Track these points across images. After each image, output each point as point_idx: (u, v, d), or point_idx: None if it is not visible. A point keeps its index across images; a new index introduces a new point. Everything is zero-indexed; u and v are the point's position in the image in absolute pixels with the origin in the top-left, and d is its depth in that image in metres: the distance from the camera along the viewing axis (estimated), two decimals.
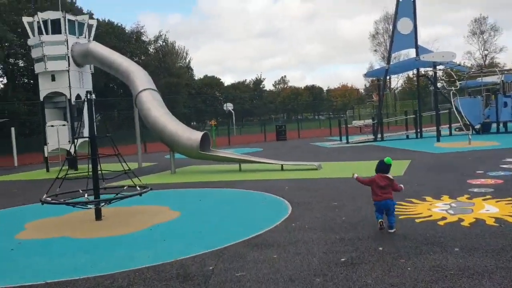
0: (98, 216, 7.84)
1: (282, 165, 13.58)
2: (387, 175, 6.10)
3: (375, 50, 68.06)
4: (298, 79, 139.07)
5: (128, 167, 8.24)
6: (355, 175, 6.39)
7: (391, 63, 25.17)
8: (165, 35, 60.45)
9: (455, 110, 22.65)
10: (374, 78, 72.36)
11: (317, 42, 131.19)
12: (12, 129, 21.66)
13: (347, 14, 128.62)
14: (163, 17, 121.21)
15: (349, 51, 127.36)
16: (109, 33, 48.81)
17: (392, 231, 5.92)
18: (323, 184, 10.30)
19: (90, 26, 18.83)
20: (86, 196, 7.35)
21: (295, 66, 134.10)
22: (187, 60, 79.31)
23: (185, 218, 7.57)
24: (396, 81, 65.99)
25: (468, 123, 20.15)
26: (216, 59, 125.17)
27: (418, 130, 24.57)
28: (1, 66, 38.91)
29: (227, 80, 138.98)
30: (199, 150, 13.72)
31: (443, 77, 23.89)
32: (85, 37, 18.49)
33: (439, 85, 22.79)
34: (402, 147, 19.59)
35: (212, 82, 73.39)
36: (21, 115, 36.19)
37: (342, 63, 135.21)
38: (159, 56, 60.32)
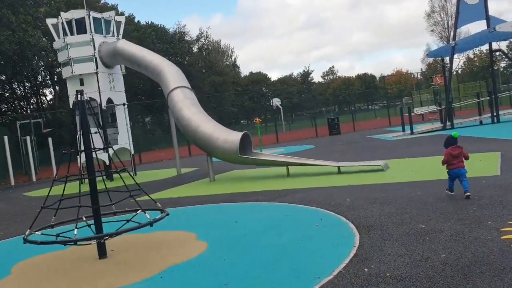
0: (102, 253, 5.97)
1: (339, 167, 11.24)
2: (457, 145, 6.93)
3: (432, 30, 63.18)
4: (347, 69, 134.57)
5: (138, 184, 6.31)
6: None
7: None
8: (207, 32, 59.17)
9: None
10: (432, 60, 67.64)
11: (363, 30, 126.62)
12: (50, 139, 20.72)
13: None
14: (205, 19, 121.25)
15: (399, 36, 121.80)
16: (151, 35, 48.18)
17: (469, 193, 6.68)
18: (396, 192, 7.90)
19: (118, 23, 17.31)
20: (75, 233, 5.46)
21: (343, 56, 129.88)
22: (233, 58, 78.16)
23: (211, 255, 5.51)
24: (457, 62, 60.78)
25: None
26: (261, 55, 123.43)
27: (495, 114, 21.24)
28: (47, 75, 39.00)
29: (274, 75, 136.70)
30: (239, 153, 11.67)
31: None
32: (113, 36, 16.99)
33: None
34: (480, 135, 16.59)
35: (258, 78, 71.52)
36: (69, 124, 36.00)
37: (392, 49, 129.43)
38: (203, 55, 59.22)
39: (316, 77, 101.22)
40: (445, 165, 6.97)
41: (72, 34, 16.09)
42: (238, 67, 78.10)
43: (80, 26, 16.25)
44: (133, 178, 6.38)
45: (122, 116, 16.90)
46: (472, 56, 67.80)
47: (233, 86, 62.88)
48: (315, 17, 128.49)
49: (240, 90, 63.86)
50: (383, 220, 6.11)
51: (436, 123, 24.57)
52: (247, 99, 64.50)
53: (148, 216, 5.70)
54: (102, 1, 43.66)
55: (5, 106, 41.41)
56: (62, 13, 16.23)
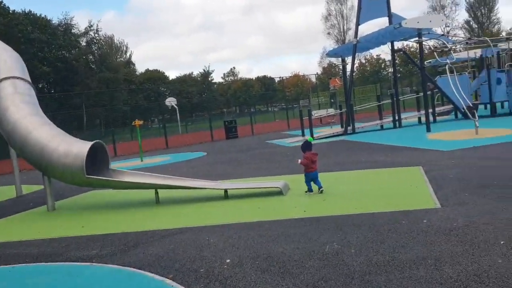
0: None
1: (226, 190, 8.30)
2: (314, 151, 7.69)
3: (328, 33, 63.94)
4: (246, 72, 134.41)
5: None
6: (299, 161, 7.67)
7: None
8: (97, 25, 53.37)
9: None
10: (327, 64, 68.62)
11: (260, 35, 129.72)
12: None
13: (284, 6, 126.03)
14: (97, 16, 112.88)
15: (294, 42, 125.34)
16: (26, 24, 41.82)
17: (322, 188, 7.51)
18: (305, 242, 5.13)
19: None
20: None
21: (241, 59, 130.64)
22: (128, 55, 72.49)
23: None
24: (357, 64, 62.03)
25: (465, 105, 15.61)
26: (159, 55, 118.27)
27: (396, 118, 20.08)
28: None
29: (173, 74, 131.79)
30: (86, 173, 8.17)
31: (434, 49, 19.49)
32: None
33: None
34: (386, 142, 14.87)
35: (155, 76, 66.87)
36: None
37: (288, 55, 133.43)
38: (91, 49, 53.34)
39: (217, 78, 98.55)
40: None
41: None
42: (134, 64, 72.62)
43: None
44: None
45: None
46: (363, 61, 70.33)
47: (126, 84, 57.66)
48: (211, 19, 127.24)
49: (134, 88, 58.80)
50: None
51: (336, 127, 23.07)
52: (142, 98, 59.55)
53: None
54: None
55: None
56: None
